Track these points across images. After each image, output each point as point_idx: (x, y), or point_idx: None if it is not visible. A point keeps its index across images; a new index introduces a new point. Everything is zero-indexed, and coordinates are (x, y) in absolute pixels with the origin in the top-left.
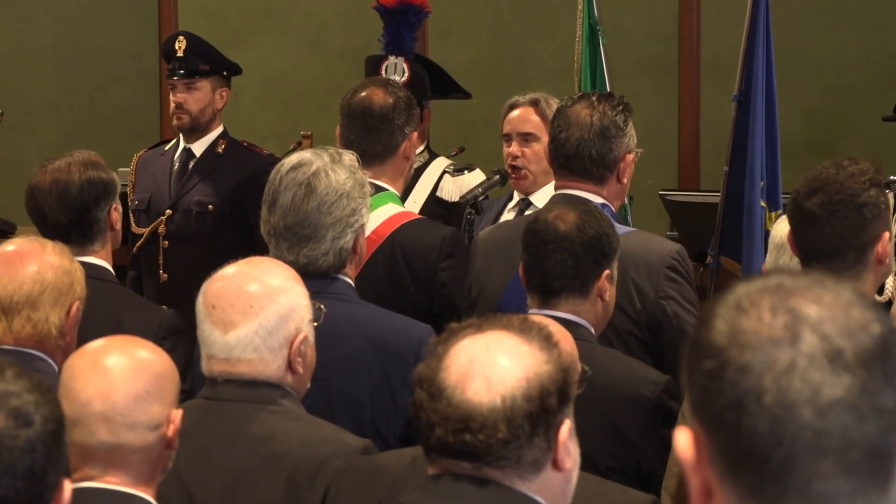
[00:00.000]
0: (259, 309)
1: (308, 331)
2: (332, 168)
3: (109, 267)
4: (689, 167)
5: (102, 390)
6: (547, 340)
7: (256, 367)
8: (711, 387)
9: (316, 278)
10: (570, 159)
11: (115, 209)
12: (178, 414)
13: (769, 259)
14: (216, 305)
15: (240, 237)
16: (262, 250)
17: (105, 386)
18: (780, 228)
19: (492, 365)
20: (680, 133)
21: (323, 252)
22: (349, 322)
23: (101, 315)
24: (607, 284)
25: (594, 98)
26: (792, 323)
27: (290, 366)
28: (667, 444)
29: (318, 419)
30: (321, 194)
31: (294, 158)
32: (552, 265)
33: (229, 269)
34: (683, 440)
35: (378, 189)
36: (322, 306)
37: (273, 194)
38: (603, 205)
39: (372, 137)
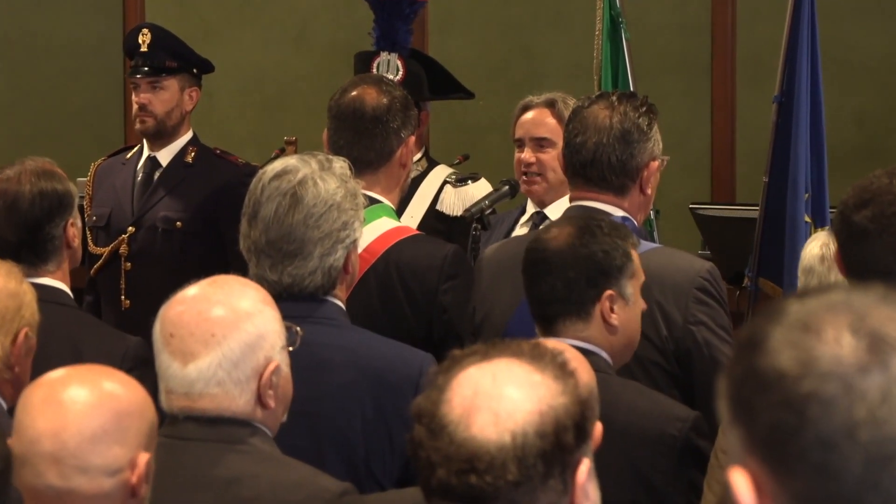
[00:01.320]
0: (222, 337)
1: (280, 359)
2: (320, 176)
3: (67, 289)
4: (723, 177)
5: (53, 427)
6: (562, 369)
7: (221, 403)
8: (786, 423)
9: (301, 300)
10: (587, 166)
11: (73, 224)
12: (143, 458)
13: (800, 285)
14: (174, 333)
15: (212, 257)
16: (238, 273)
17: (56, 422)
18: (810, 250)
19: (500, 397)
20: (713, 139)
21: (310, 271)
22: (340, 350)
23: (57, 343)
24: (612, 306)
25: (614, 98)
26: (876, 345)
27: (259, 399)
28: (697, 490)
29: (292, 460)
30: (308, 205)
31: (278, 165)
32: (544, 290)
33: (190, 291)
34: (741, 483)
35: (371, 201)
36: (298, 329)
37: (254, 205)
38: (624, 218)
39: (364, 142)
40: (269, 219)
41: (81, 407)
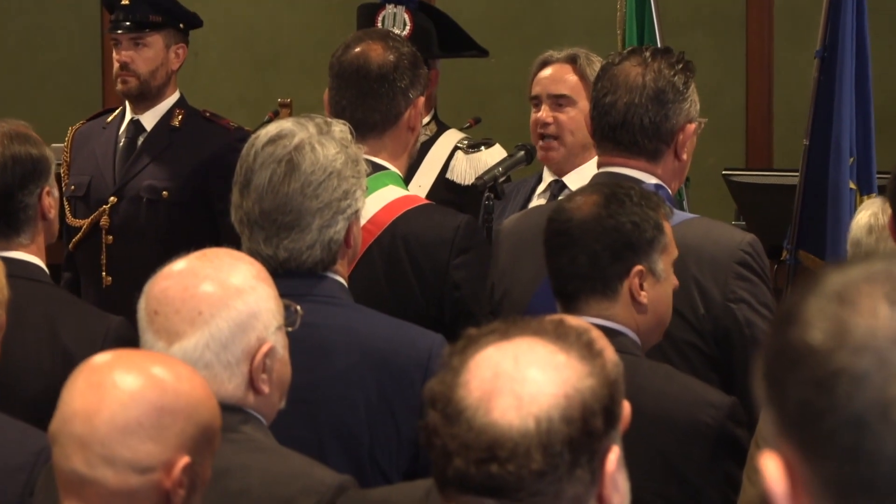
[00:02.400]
0: (210, 316)
1: (276, 340)
2: (318, 141)
3: (42, 264)
4: (759, 141)
5: (87, 409)
6: (588, 348)
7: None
8: (816, 402)
9: (299, 277)
10: (617, 129)
11: (49, 193)
12: (182, 462)
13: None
14: (159, 311)
15: (201, 230)
16: (230, 247)
17: (92, 405)
18: (857, 220)
19: (522, 379)
20: (748, 99)
21: (308, 244)
22: (341, 332)
23: (31, 323)
24: (642, 283)
25: (647, 54)
26: None
27: (252, 384)
28: (733, 483)
29: (287, 450)
30: (305, 173)
31: (272, 129)
32: (564, 263)
33: (177, 266)
34: (772, 468)
35: (376, 167)
36: (297, 307)
37: (246, 174)
38: (657, 186)
39: (368, 103)
40: (263, 188)
41: (120, 394)
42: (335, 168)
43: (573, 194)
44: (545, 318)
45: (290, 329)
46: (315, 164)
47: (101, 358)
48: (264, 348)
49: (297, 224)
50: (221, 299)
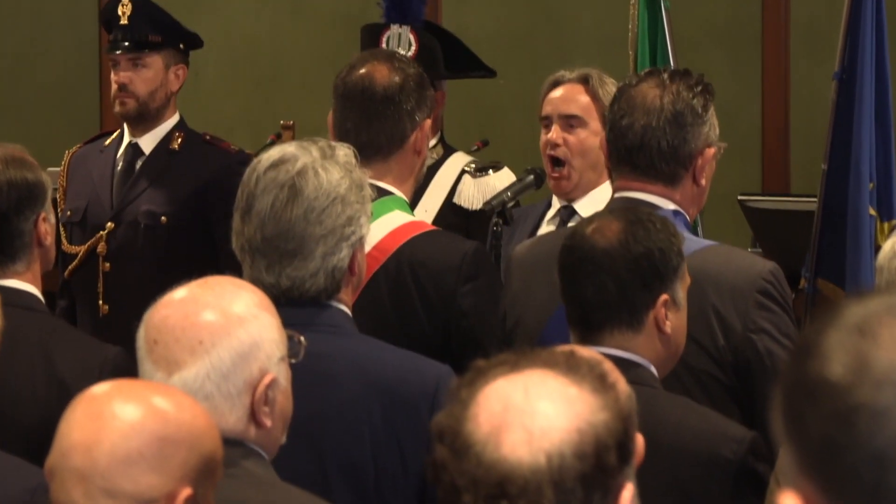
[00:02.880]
0: (211, 345)
1: (278, 371)
2: (322, 165)
3: (37, 293)
4: (775, 164)
5: (86, 441)
6: (601, 381)
7: None
8: (836, 438)
9: (302, 306)
10: (634, 152)
11: (45, 219)
12: (184, 494)
13: (878, 283)
14: (158, 340)
15: (201, 257)
16: (230, 274)
17: (91, 436)
18: (886, 246)
19: (533, 413)
20: (764, 120)
21: (311, 272)
22: (346, 362)
23: (26, 353)
24: (667, 313)
25: (665, 76)
26: None
27: (253, 417)
28: None
29: (289, 486)
30: (309, 198)
31: (274, 153)
32: (590, 292)
33: (178, 294)
34: None
35: (381, 192)
36: (301, 338)
37: (248, 199)
38: (675, 212)
39: (374, 126)
40: (265, 214)
41: (121, 424)
42: (339, 193)
43: (590, 220)
44: (556, 349)
45: (293, 361)
46: (318, 190)
47: (100, 388)
48: (266, 379)
49: (299, 251)
50: (223, 328)
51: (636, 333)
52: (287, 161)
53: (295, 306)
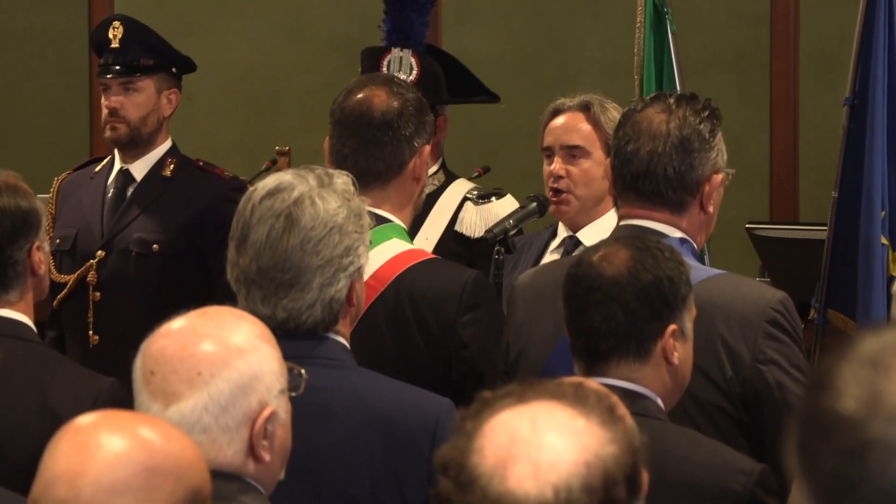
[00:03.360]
0: (210, 376)
1: (278, 405)
2: (319, 194)
3: (30, 323)
4: (784, 192)
5: (70, 472)
6: (610, 413)
7: (206, 453)
8: (849, 472)
9: (299, 338)
10: (639, 179)
11: (39, 248)
12: None
13: (894, 313)
14: (155, 371)
15: (195, 286)
16: (226, 304)
17: (76, 467)
18: None
19: (539, 445)
20: (772, 147)
21: (308, 303)
22: (343, 396)
23: (19, 384)
24: (675, 343)
25: (672, 100)
26: None
27: (252, 451)
28: None
29: None
30: (305, 228)
31: (270, 182)
32: (597, 321)
33: (176, 324)
34: None
35: (379, 220)
36: (302, 371)
37: (243, 229)
38: (682, 240)
39: (372, 152)
40: (261, 244)
41: (106, 454)
42: (336, 223)
43: (596, 248)
44: (563, 380)
45: (293, 394)
46: (315, 219)
47: (85, 419)
48: (266, 413)
49: (296, 282)
50: (222, 359)
51: (643, 364)
52: (283, 190)
53: (291, 339)
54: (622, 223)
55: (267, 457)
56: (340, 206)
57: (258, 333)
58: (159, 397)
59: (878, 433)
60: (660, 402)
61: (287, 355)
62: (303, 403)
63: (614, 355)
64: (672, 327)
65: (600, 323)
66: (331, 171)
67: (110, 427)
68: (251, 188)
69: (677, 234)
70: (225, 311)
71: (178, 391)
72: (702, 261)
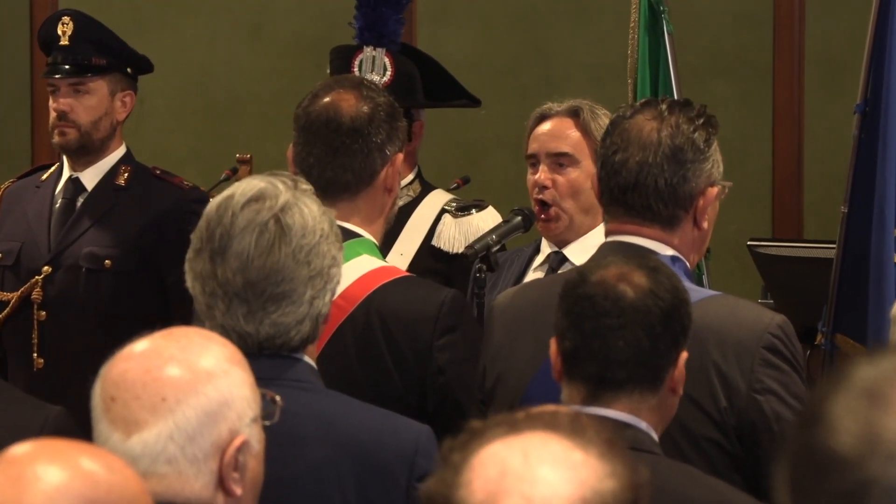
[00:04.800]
0: (175, 402)
1: (250, 433)
2: (302, 201)
3: None
4: (788, 206)
5: None
6: (609, 446)
7: (172, 485)
8: None
9: (268, 358)
10: (628, 191)
11: None
12: None
13: (893, 337)
14: (116, 397)
15: (150, 305)
16: (181, 324)
17: (11, 500)
18: None
19: (532, 479)
20: (775, 158)
21: (298, 318)
22: (313, 421)
23: None
24: (682, 373)
25: (664, 107)
26: None
27: (222, 484)
28: None
29: None
30: (297, 236)
31: (246, 188)
32: (619, 347)
33: (138, 346)
34: None
35: (348, 234)
36: (277, 397)
37: (221, 239)
38: (673, 258)
39: (339, 161)
40: (248, 254)
41: (45, 486)
42: (324, 231)
43: (601, 266)
44: (558, 409)
45: (267, 423)
46: (305, 227)
47: (20, 449)
48: (237, 442)
49: (287, 295)
50: (189, 384)
51: (652, 395)
52: (267, 196)
53: (259, 358)
54: (609, 239)
55: (238, 490)
56: (323, 214)
57: (228, 356)
58: (120, 425)
59: (877, 473)
60: (654, 434)
61: (258, 376)
62: (271, 428)
63: (630, 384)
64: (684, 355)
65: (622, 349)
66: (294, 176)
67: (48, 457)
68: (226, 195)
69: (668, 251)
70: (192, 331)
71: (140, 419)
72: (700, 281)
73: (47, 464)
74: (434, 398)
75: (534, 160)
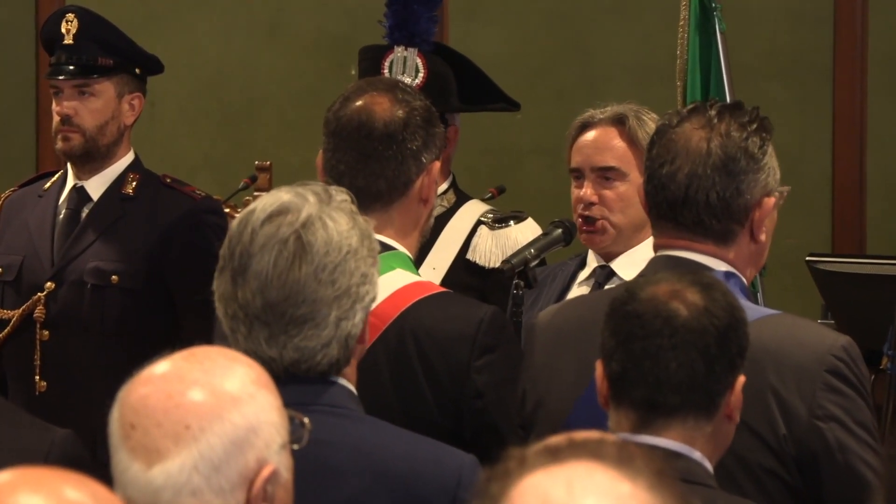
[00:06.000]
0: (199, 430)
1: (279, 461)
2: (328, 214)
3: None
4: (849, 219)
5: None
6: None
7: None
8: None
9: (303, 383)
10: (677, 206)
11: None
12: None
13: None
14: (136, 424)
15: (160, 323)
16: (192, 344)
17: None
18: None
19: None
20: (835, 167)
21: (324, 342)
22: (350, 451)
23: None
24: (739, 398)
25: (713, 112)
26: None
27: None
28: None
29: None
30: (319, 254)
31: (268, 202)
32: (672, 369)
33: (159, 368)
34: None
35: (382, 248)
36: (305, 420)
37: (241, 258)
38: (728, 274)
39: (372, 169)
40: (268, 274)
41: None
42: (351, 246)
43: (651, 283)
44: (605, 437)
45: (295, 447)
46: (329, 244)
47: (2, 478)
48: (265, 472)
49: (310, 317)
50: (213, 410)
51: (708, 422)
52: (288, 211)
53: (294, 383)
54: (659, 254)
55: None
56: (352, 228)
57: (255, 378)
58: (140, 455)
59: None
60: (709, 465)
61: (288, 402)
62: (303, 458)
63: (683, 410)
64: (742, 379)
65: (675, 371)
66: (326, 186)
67: (31, 486)
68: (247, 210)
69: (723, 266)
70: (215, 352)
71: (162, 448)
72: (754, 298)
73: (30, 493)
74: (471, 423)
75: (577, 174)
